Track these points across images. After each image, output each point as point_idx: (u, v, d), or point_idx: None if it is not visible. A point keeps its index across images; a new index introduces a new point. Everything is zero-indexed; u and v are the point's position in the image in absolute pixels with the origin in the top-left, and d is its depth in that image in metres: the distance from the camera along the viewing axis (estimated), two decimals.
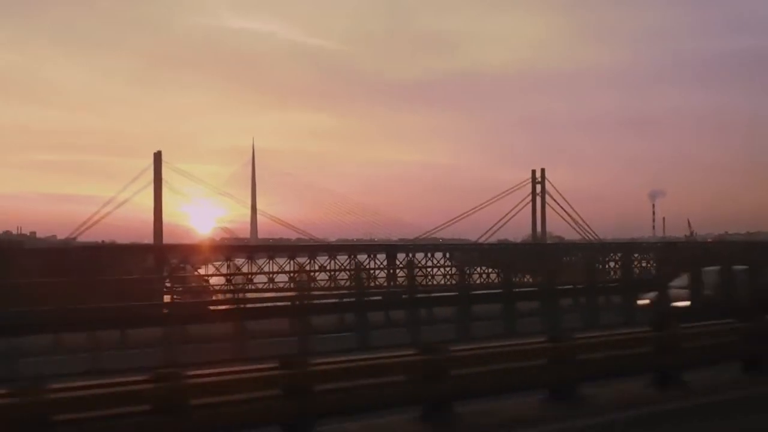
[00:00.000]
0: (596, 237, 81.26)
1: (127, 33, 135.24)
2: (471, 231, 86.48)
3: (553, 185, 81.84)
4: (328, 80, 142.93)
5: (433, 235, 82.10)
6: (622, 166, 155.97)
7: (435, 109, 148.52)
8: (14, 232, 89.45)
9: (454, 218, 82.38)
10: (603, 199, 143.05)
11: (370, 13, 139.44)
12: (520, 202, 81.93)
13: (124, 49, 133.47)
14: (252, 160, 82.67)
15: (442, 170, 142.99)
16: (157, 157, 72.14)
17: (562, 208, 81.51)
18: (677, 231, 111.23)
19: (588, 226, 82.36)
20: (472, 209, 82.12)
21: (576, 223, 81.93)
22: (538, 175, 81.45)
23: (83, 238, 74.63)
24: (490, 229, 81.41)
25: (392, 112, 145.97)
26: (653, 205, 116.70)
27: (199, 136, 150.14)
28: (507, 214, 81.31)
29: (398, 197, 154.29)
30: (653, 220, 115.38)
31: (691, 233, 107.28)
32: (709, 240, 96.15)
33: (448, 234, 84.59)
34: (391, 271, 50.08)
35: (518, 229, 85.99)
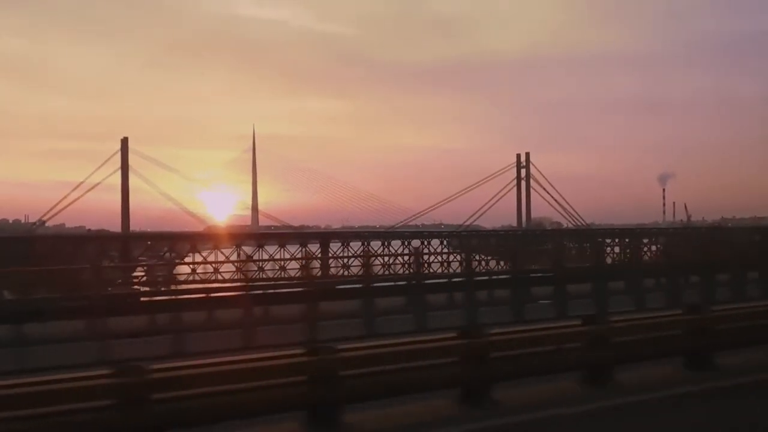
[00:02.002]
0: (583, 222, 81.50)
1: (141, 21, 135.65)
2: (454, 215, 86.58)
3: (538, 170, 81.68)
4: (341, 66, 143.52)
5: (415, 222, 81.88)
6: (635, 150, 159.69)
7: (448, 93, 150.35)
8: (22, 220, 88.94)
9: (436, 204, 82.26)
10: (615, 184, 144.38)
11: None
12: (504, 187, 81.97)
13: (137, 36, 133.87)
14: (252, 147, 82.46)
15: (455, 154, 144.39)
16: (124, 143, 71.31)
17: (548, 193, 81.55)
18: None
19: (575, 211, 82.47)
20: (455, 194, 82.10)
21: (563, 208, 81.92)
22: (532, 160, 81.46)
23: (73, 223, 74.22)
24: (473, 215, 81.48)
25: (406, 96, 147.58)
26: (663, 190, 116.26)
27: (211, 122, 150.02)
28: (491, 199, 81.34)
29: (409, 182, 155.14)
30: (663, 205, 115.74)
31: (689, 218, 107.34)
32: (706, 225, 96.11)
33: (428, 220, 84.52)
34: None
35: (507, 215, 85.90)
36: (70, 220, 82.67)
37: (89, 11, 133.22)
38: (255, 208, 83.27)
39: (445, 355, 9.71)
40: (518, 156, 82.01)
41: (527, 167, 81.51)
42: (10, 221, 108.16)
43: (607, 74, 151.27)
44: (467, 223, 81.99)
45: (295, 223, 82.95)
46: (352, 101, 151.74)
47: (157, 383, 7.73)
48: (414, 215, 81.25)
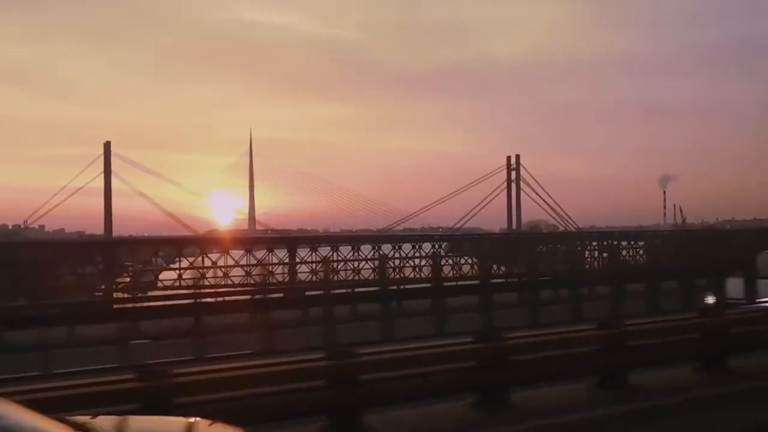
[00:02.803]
0: (575, 226, 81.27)
1: (143, 26, 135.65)
2: (444, 218, 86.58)
3: (529, 172, 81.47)
4: (344, 71, 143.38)
5: (405, 225, 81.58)
6: (635, 153, 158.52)
7: (449, 97, 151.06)
8: (21, 225, 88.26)
9: (426, 206, 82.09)
10: (616, 187, 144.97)
11: (385, 2, 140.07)
12: (495, 189, 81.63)
13: (140, 42, 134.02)
14: (249, 152, 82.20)
15: (455, 158, 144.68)
16: (107, 147, 70.87)
17: (539, 195, 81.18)
18: (689, 218, 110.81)
19: (566, 214, 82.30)
20: (444, 197, 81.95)
21: (554, 211, 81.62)
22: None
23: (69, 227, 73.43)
24: (463, 217, 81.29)
25: (407, 101, 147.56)
26: (664, 192, 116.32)
27: (212, 127, 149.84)
28: (481, 202, 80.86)
29: (409, 186, 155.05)
30: (664, 207, 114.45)
31: (683, 220, 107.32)
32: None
33: (416, 223, 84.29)
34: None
35: (499, 217, 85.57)
36: (61, 223, 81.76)
37: (91, 18, 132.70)
38: (252, 212, 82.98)
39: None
40: (508, 158, 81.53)
41: (517, 170, 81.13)
42: (10, 227, 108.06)
43: (606, 78, 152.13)
44: (457, 225, 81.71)
45: (294, 227, 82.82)
46: (354, 106, 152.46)
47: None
48: (401, 219, 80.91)
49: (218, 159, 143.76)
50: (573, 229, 79.33)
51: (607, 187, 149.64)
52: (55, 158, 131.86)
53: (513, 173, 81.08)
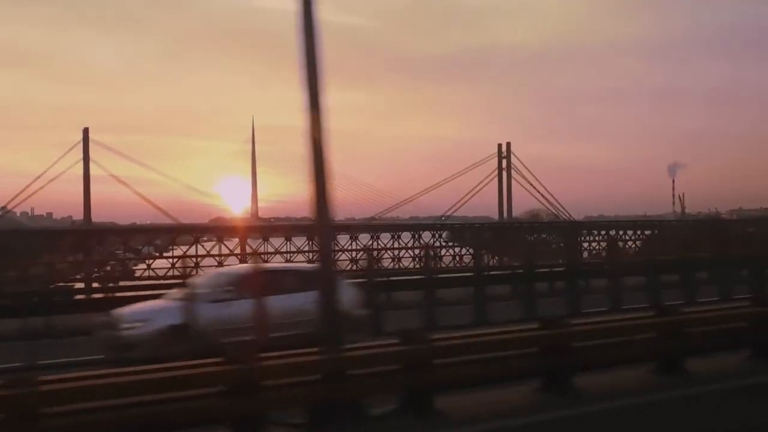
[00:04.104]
0: (568, 215, 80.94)
1: (154, 12, 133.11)
2: (432, 207, 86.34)
3: (521, 160, 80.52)
4: (356, 57, 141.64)
5: (389, 214, 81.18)
6: (648, 140, 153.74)
7: (464, 84, 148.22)
8: (29, 213, 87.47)
9: (415, 194, 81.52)
10: (628, 174, 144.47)
11: None
12: (485, 178, 79.19)
13: (150, 28, 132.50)
14: (252, 139, 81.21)
15: (470, 145, 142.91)
16: (85, 133, 69.85)
17: (531, 184, 78.39)
18: (697, 207, 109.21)
19: (560, 204, 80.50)
20: (435, 184, 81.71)
21: (547, 201, 79.42)
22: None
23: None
24: (453, 206, 79.74)
25: (422, 87, 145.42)
26: (673, 181, 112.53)
27: (224, 113, 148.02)
28: (471, 190, 78.35)
29: (421, 173, 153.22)
30: (673, 196, 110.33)
31: (683, 210, 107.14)
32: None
33: (404, 213, 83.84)
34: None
35: (491, 205, 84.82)
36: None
37: (104, 2, 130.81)
38: (255, 201, 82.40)
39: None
40: (499, 146, 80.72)
41: (508, 157, 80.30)
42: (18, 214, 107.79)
43: (619, 63, 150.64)
44: (447, 214, 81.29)
45: (284, 215, 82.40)
46: (368, 92, 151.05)
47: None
48: (390, 207, 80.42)
49: (225, 145, 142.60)
50: (567, 219, 79.26)
51: (618, 176, 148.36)
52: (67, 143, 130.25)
53: (504, 162, 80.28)
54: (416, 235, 61.91)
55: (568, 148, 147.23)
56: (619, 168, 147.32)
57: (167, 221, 69.62)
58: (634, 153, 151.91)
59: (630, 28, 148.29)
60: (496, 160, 79.05)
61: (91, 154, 67.81)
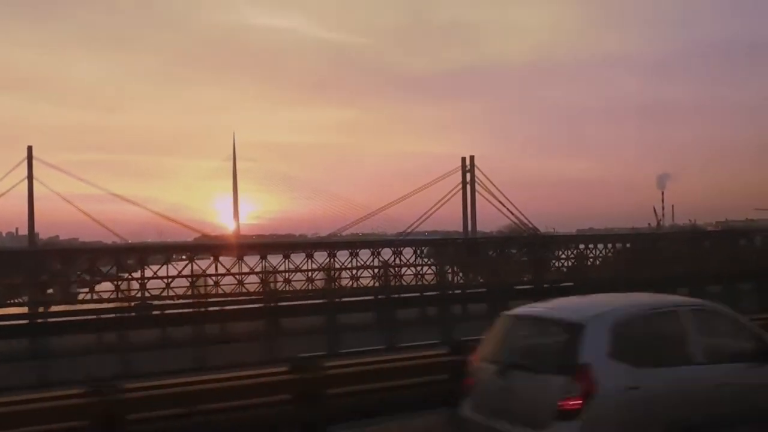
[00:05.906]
0: (532, 227, 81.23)
1: (149, 32, 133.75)
2: (393, 223, 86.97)
3: (484, 174, 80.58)
4: (349, 74, 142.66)
5: (352, 231, 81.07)
6: (637, 153, 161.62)
7: (456, 100, 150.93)
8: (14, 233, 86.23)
9: (379, 208, 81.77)
10: (617, 187, 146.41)
11: (391, 6, 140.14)
12: (449, 192, 78.37)
13: (145, 48, 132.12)
14: (233, 156, 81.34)
15: (458, 161, 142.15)
16: (29, 151, 69.31)
17: (496, 198, 77.91)
18: (684, 219, 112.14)
19: (525, 216, 79.94)
20: (399, 198, 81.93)
21: (512, 214, 78.60)
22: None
23: None
24: (416, 220, 78.91)
25: (411, 105, 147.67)
26: (662, 193, 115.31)
27: (214, 131, 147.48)
28: (435, 205, 78.17)
29: (407, 190, 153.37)
30: (663, 208, 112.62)
31: (658, 222, 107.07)
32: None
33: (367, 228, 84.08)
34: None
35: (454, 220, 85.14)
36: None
37: (97, 23, 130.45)
38: (237, 218, 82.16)
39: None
40: (463, 159, 78.89)
41: (472, 171, 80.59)
42: (3, 234, 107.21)
43: (610, 79, 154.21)
44: (409, 230, 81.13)
45: (283, 232, 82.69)
46: (357, 110, 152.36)
47: None
48: (353, 222, 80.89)
49: (210, 164, 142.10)
50: (533, 233, 79.42)
51: (606, 188, 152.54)
52: (66, 164, 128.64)
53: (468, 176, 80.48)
54: (375, 252, 61.50)
55: (565, 162, 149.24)
56: (607, 181, 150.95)
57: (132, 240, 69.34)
58: (622, 166, 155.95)
59: (621, 45, 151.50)
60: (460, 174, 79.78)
61: (86, 174, 67.41)
